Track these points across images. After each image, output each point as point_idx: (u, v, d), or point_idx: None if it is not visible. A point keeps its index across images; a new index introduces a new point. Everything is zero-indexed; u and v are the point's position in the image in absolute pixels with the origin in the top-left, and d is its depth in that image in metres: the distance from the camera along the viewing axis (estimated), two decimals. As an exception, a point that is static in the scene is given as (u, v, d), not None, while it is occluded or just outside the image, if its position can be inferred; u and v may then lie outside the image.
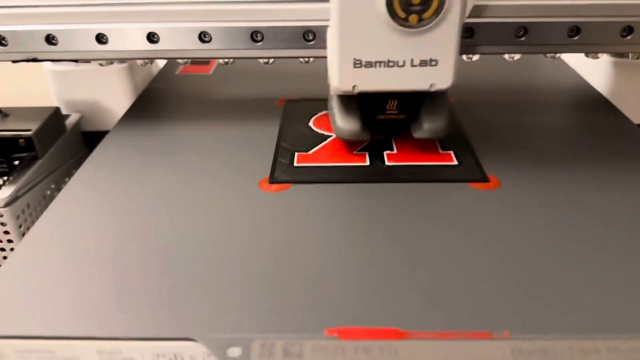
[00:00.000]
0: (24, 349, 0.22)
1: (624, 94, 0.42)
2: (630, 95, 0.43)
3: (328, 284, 0.24)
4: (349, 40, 0.29)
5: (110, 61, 0.42)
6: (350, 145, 0.35)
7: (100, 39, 0.35)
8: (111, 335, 0.21)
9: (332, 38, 0.29)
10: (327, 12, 0.29)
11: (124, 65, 0.45)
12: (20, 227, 0.36)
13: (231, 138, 0.37)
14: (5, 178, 0.37)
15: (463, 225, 0.28)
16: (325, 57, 0.32)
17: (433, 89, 0.30)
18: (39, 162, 0.39)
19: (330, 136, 0.36)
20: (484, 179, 0.31)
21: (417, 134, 0.33)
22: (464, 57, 0.35)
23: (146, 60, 0.38)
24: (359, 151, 0.34)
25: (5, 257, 0.37)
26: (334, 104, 0.33)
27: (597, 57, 0.37)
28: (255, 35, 0.34)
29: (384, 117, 0.34)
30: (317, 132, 0.37)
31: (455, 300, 0.23)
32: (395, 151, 0.34)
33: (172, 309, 0.23)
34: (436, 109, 0.33)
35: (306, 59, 0.35)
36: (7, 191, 0.35)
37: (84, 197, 0.31)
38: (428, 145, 0.35)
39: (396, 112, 0.33)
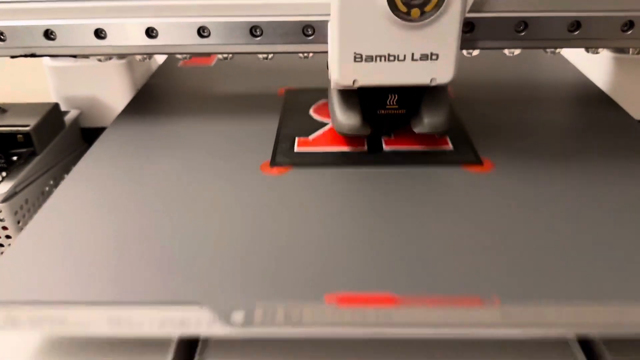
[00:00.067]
0: (37, 314, 0.22)
1: (624, 90, 0.42)
2: (631, 91, 0.43)
3: (326, 256, 0.25)
4: (349, 34, 0.28)
5: (109, 57, 0.42)
6: None
7: (99, 34, 0.34)
8: (121, 300, 0.22)
9: (332, 32, 0.29)
10: (326, 7, 0.29)
11: (123, 61, 0.45)
12: (18, 222, 0.36)
13: (233, 126, 0.37)
14: (3, 174, 0.37)
15: (456, 203, 0.29)
16: (325, 52, 0.32)
17: (433, 84, 0.30)
18: (37, 158, 0.39)
19: (329, 123, 0.37)
20: (477, 161, 0.32)
21: (417, 129, 0.33)
22: (464, 52, 0.35)
23: (145, 56, 0.38)
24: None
25: (2, 253, 0.37)
26: (334, 99, 0.33)
27: (597, 52, 0.37)
28: (255, 30, 0.34)
29: (385, 111, 0.33)
30: (317, 120, 0.38)
31: (447, 269, 0.24)
32: (392, 137, 0.35)
33: (179, 277, 0.24)
34: (437, 104, 0.32)
35: (305, 54, 0.35)
36: (5, 187, 0.35)
37: (84, 188, 0.31)
38: None
39: (396, 106, 0.33)
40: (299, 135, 0.36)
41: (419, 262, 0.24)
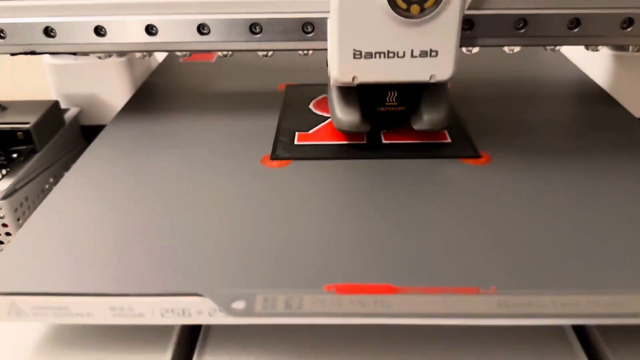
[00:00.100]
0: (40, 305, 0.23)
1: (624, 87, 0.42)
2: (630, 88, 0.43)
3: (326, 246, 0.25)
4: (348, 31, 0.28)
5: (109, 54, 0.42)
6: None
7: (99, 31, 0.34)
8: (123, 291, 0.23)
9: (331, 29, 0.29)
10: (325, 4, 0.29)
11: (123, 58, 0.45)
12: (18, 220, 0.36)
13: (233, 122, 0.38)
14: (3, 171, 0.37)
15: (453, 195, 0.29)
16: (325, 49, 0.32)
17: (433, 80, 0.30)
18: (37, 155, 0.39)
19: (329, 117, 0.37)
20: (475, 154, 0.33)
21: (417, 126, 0.33)
22: (464, 49, 0.35)
23: (145, 53, 0.38)
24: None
25: (2, 250, 0.37)
26: (334, 96, 0.33)
27: (597, 50, 0.37)
28: (254, 27, 0.34)
29: (384, 108, 0.34)
30: (317, 114, 0.38)
31: (444, 260, 0.24)
32: (391, 130, 0.35)
33: (180, 268, 0.24)
34: (436, 101, 0.32)
35: (305, 52, 0.35)
36: (5, 184, 0.35)
37: (85, 184, 0.31)
38: None
39: (396, 103, 0.33)
40: (299, 130, 0.36)
41: (417, 254, 0.25)
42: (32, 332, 0.26)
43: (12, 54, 0.36)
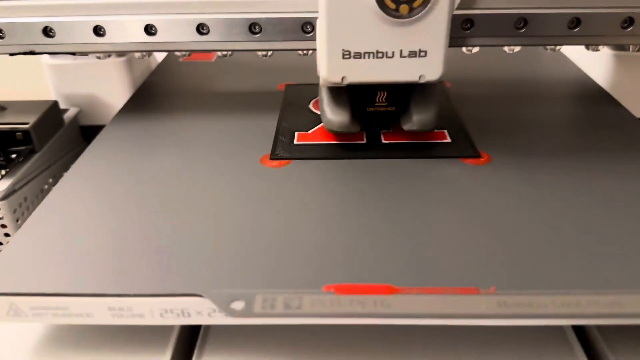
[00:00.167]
0: (39, 305, 0.23)
1: (624, 87, 0.42)
2: (631, 88, 0.42)
3: (325, 246, 0.25)
4: (337, 31, 0.28)
5: (108, 54, 0.42)
6: None
7: (98, 31, 0.34)
8: (122, 292, 0.23)
9: (320, 29, 0.29)
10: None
11: (122, 58, 0.45)
12: (17, 220, 0.36)
13: (233, 122, 0.37)
14: (2, 171, 0.36)
15: (453, 194, 0.29)
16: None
17: (422, 81, 0.30)
18: (36, 156, 0.38)
19: None
20: (475, 154, 0.32)
21: (406, 126, 0.33)
22: (464, 49, 0.35)
23: (144, 53, 0.38)
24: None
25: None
26: (324, 96, 0.33)
27: (597, 50, 0.36)
28: (254, 27, 0.34)
29: (374, 109, 0.33)
30: (317, 114, 0.38)
31: (444, 260, 0.24)
32: (391, 130, 0.35)
33: (180, 268, 0.24)
34: (426, 101, 0.32)
35: (304, 51, 0.35)
36: (4, 184, 0.35)
37: (84, 184, 0.31)
38: None
39: (386, 104, 0.33)
40: (299, 129, 0.36)
41: (417, 254, 0.25)
42: (31, 333, 0.26)
43: (11, 54, 0.36)
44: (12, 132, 0.38)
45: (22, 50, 0.35)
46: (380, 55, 0.29)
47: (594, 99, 0.41)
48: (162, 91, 0.45)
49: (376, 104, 0.33)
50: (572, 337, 0.25)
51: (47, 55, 0.44)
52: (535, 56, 0.49)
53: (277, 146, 0.34)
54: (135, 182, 0.31)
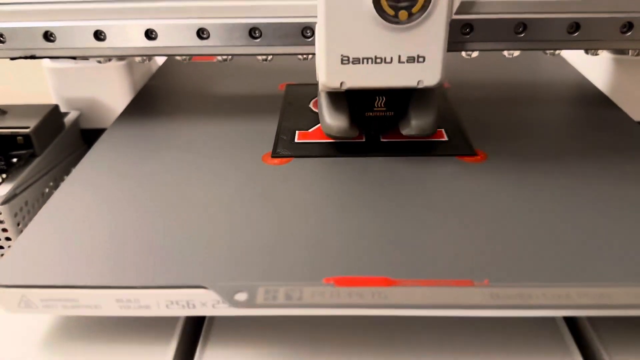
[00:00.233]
0: (50, 297, 0.23)
1: (624, 91, 0.42)
2: (630, 92, 0.43)
3: (325, 241, 0.26)
4: (336, 36, 0.28)
5: (109, 58, 0.42)
6: None
7: (99, 35, 0.34)
8: (129, 284, 0.23)
9: (319, 35, 0.29)
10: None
11: (123, 62, 0.45)
12: (18, 224, 0.36)
13: (234, 123, 0.38)
14: (3, 175, 0.37)
15: (449, 191, 0.30)
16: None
17: (421, 86, 0.30)
18: (37, 160, 0.39)
19: None
20: (471, 152, 0.33)
21: (405, 131, 0.33)
22: (463, 53, 0.35)
23: (144, 57, 0.38)
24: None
25: (2, 255, 0.37)
26: (323, 101, 0.33)
27: (596, 54, 0.37)
28: (254, 32, 0.34)
29: (372, 114, 0.34)
30: (317, 113, 0.39)
31: (440, 253, 0.25)
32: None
33: (185, 262, 0.25)
34: (424, 106, 0.32)
35: (304, 56, 0.35)
36: (5, 188, 0.35)
37: (91, 182, 0.32)
38: None
39: (384, 109, 0.33)
40: (299, 128, 0.37)
41: (413, 248, 0.25)
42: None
43: (12, 58, 0.36)
44: (13, 136, 0.38)
45: (23, 55, 0.36)
46: (378, 60, 0.29)
47: (593, 102, 0.41)
48: (162, 94, 0.45)
49: (375, 108, 0.33)
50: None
51: (47, 59, 0.44)
52: (535, 59, 0.49)
53: (278, 144, 0.35)
54: (140, 180, 0.31)
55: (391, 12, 0.27)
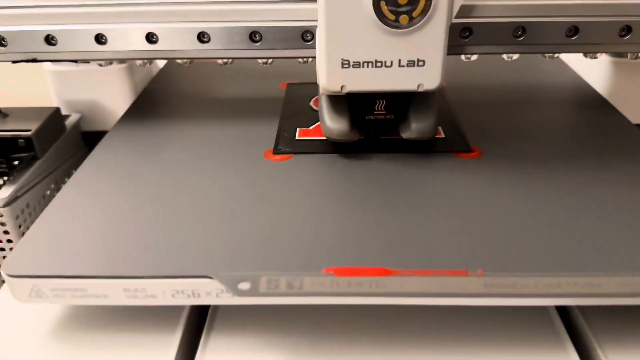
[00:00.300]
0: (59, 287, 0.24)
1: (623, 94, 0.43)
2: (629, 95, 0.43)
3: (325, 233, 0.27)
4: (336, 40, 0.29)
5: (110, 61, 0.42)
6: None
7: (100, 39, 0.35)
8: (137, 274, 0.24)
9: (319, 39, 0.29)
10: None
11: (124, 65, 0.45)
12: (19, 227, 0.36)
13: (235, 122, 0.39)
14: (4, 178, 0.37)
15: (445, 186, 0.31)
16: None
17: (421, 90, 0.30)
18: (38, 162, 0.39)
19: None
20: (467, 149, 0.34)
21: (405, 134, 0.33)
22: (462, 57, 0.35)
23: (145, 61, 0.38)
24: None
25: (4, 257, 0.37)
26: (323, 104, 0.33)
27: (595, 57, 0.37)
28: (254, 36, 0.34)
29: (373, 117, 0.34)
30: (317, 111, 0.39)
31: (436, 245, 0.26)
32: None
33: (190, 252, 0.26)
34: (424, 110, 0.33)
35: (304, 59, 0.36)
36: (6, 191, 0.35)
37: (97, 179, 0.32)
38: None
39: (385, 112, 0.34)
40: (300, 126, 0.37)
41: (411, 239, 0.26)
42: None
43: (14, 62, 0.36)
44: (15, 139, 0.38)
45: (24, 58, 0.36)
46: (379, 64, 0.29)
47: (591, 105, 0.41)
48: (163, 96, 0.45)
49: (375, 112, 0.34)
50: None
51: (49, 62, 0.45)
52: (534, 62, 0.49)
53: (280, 141, 0.35)
54: (143, 178, 0.32)
55: (391, 16, 0.28)
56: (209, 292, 0.24)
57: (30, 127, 0.38)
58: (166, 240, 0.26)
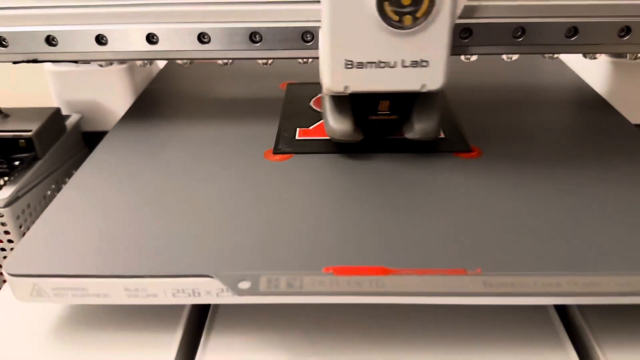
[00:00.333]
0: (60, 286, 0.24)
1: (622, 94, 0.43)
2: (628, 95, 0.43)
3: (325, 232, 0.27)
4: (340, 41, 0.29)
5: (110, 62, 0.42)
6: None
7: (100, 40, 0.35)
8: (137, 273, 0.24)
9: (323, 39, 0.29)
10: (325, 13, 0.29)
11: (124, 65, 0.45)
12: (20, 227, 0.37)
13: (236, 122, 0.39)
14: (5, 178, 0.37)
15: (444, 185, 0.31)
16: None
17: (424, 90, 0.30)
18: (39, 163, 0.39)
19: None
20: (467, 149, 0.34)
21: (409, 135, 0.33)
22: (462, 57, 0.35)
23: (145, 61, 0.38)
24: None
25: (5, 257, 0.37)
26: (327, 105, 0.33)
27: (594, 58, 0.37)
28: (254, 36, 0.34)
29: (376, 117, 0.34)
30: (317, 111, 0.40)
31: (435, 244, 0.26)
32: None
33: (191, 252, 0.26)
34: (428, 110, 0.33)
35: (304, 60, 0.36)
36: (7, 191, 0.36)
37: (98, 178, 0.32)
38: None
39: (388, 112, 0.34)
40: (300, 126, 0.38)
41: (409, 238, 0.26)
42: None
43: (14, 62, 0.36)
44: (15, 139, 0.38)
45: (25, 59, 0.36)
46: (382, 64, 0.29)
47: (591, 105, 0.41)
48: (163, 96, 0.45)
49: (379, 112, 0.34)
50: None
51: (49, 63, 0.45)
52: (534, 62, 0.49)
53: (280, 141, 0.36)
54: (144, 178, 0.32)
55: (395, 17, 0.28)
56: (209, 291, 0.24)
57: (31, 128, 0.39)
58: (167, 240, 0.26)
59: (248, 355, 0.26)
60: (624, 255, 0.25)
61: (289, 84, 0.45)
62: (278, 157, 0.34)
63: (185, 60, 0.36)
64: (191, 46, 0.34)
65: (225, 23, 0.34)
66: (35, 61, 0.36)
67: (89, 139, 0.47)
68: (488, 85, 0.45)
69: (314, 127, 0.37)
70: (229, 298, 0.24)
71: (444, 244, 0.26)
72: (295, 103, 0.41)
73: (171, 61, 0.52)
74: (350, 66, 0.29)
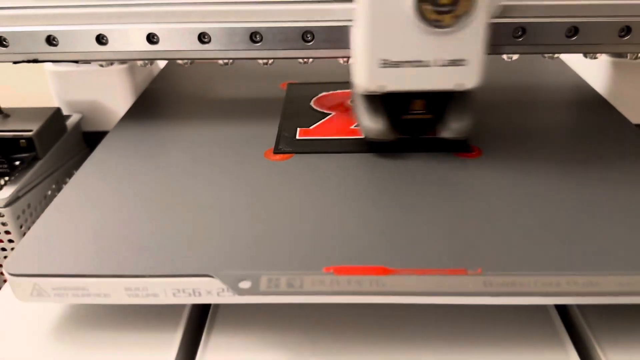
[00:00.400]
0: (61, 286, 0.24)
1: (622, 94, 0.43)
2: (628, 95, 0.43)
3: (325, 232, 0.27)
4: (376, 40, 0.29)
5: (110, 62, 0.42)
6: (348, 121, 0.37)
7: (100, 39, 0.35)
8: (138, 273, 0.24)
9: (358, 38, 0.29)
10: (325, 13, 0.29)
11: (124, 65, 0.45)
12: (21, 227, 0.37)
13: (236, 121, 0.39)
14: (6, 178, 0.37)
15: (444, 185, 0.31)
16: (324, 57, 0.33)
17: (460, 89, 0.30)
18: (39, 163, 0.39)
19: (329, 114, 0.39)
20: (467, 149, 0.34)
21: (444, 134, 0.33)
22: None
23: (146, 61, 0.38)
24: (355, 126, 0.37)
25: (5, 257, 0.37)
26: (360, 104, 0.33)
27: (595, 58, 0.37)
28: (255, 36, 0.34)
29: (410, 116, 0.34)
30: (318, 111, 0.40)
31: (435, 244, 0.26)
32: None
33: (191, 251, 0.26)
34: (462, 109, 0.33)
35: (305, 60, 0.36)
36: (7, 191, 0.36)
37: (100, 175, 0.33)
38: None
39: (423, 111, 0.34)
40: (301, 125, 0.38)
41: (410, 238, 0.26)
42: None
43: (15, 62, 0.36)
44: (16, 139, 0.38)
45: (25, 59, 0.36)
46: (418, 64, 0.29)
47: (591, 105, 0.41)
48: (164, 96, 0.45)
49: (412, 111, 0.34)
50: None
51: (50, 63, 0.45)
52: (534, 62, 0.49)
53: (280, 141, 0.36)
54: (144, 178, 0.32)
55: (432, 16, 0.28)
56: (209, 290, 0.24)
57: (32, 128, 0.39)
58: (167, 239, 0.26)
59: (248, 355, 0.26)
60: (624, 255, 0.25)
61: (290, 84, 0.45)
62: (278, 156, 0.34)
63: (185, 60, 0.36)
64: (191, 46, 0.34)
65: (226, 23, 0.34)
66: (35, 61, 0.36)
67: (89, 139, 0.47)
68: (488, 85, 0.45)
69: (315, 127, 0.37)
70: (229, 298, 0.24)
71: (444, 243, 0.26)
72: (296, 103, 0.41)
73: (171, 61, 0.52)
74: (386, 65, 0.29)
